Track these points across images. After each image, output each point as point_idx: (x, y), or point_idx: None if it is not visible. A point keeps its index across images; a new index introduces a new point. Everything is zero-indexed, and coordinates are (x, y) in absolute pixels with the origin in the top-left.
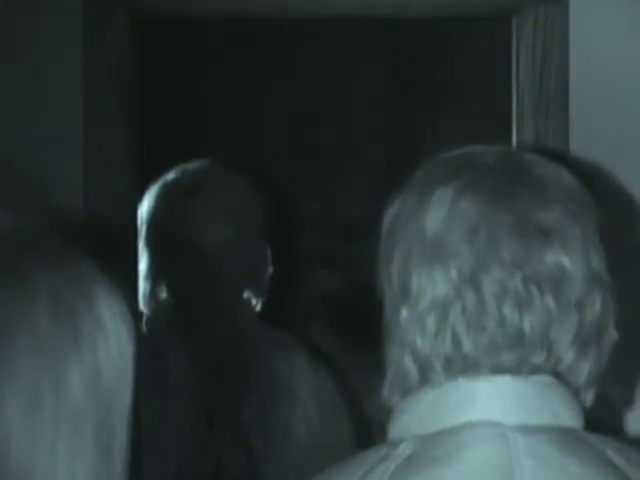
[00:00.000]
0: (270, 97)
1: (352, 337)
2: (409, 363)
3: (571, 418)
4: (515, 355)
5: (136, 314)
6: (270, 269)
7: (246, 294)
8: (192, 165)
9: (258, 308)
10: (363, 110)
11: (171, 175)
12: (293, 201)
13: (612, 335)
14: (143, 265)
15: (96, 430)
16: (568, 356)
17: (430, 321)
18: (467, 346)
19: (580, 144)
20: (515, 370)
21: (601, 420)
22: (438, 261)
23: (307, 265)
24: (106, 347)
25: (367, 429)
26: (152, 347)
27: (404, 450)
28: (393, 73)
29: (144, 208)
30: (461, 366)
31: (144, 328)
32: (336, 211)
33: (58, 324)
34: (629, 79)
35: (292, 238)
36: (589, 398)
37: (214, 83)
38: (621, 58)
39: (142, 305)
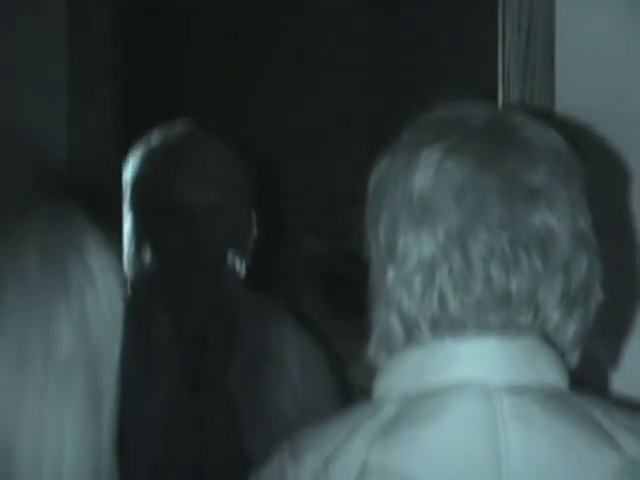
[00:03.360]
0: (256, 58)
1: (337, 303)
2: (395, 323)
3: (556, 378)
4: (501, 316)
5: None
6: (255, 233)
7: (230, 258)
8: (176, 128)
9: (243, 272)
10: (347, 74)
11: (155, 137)
12: (280, 170)
13: (598, 295)
14: (127, 228)
15: (85, 380)
16: (554, 316)
17: (417, 282)
18: (454, 307)
19: (566, 105)
20: (501, 331)
21: (586, 380)
22: (425, 222)
23: (292, 232)
24: (95, 297)
25: (351, 395)
26: (136, 311)
27: (389, 409)
28: (376, 37)
29: (128, 171)
30: (447, 326)
31: (128, 291)
32: (321, 179)
33: (47, 274)
34: (614, 43)
35: (278, 206)
36: (575, 358)
37: (201, 47)
38: (608, 22)
39: (126, 269)
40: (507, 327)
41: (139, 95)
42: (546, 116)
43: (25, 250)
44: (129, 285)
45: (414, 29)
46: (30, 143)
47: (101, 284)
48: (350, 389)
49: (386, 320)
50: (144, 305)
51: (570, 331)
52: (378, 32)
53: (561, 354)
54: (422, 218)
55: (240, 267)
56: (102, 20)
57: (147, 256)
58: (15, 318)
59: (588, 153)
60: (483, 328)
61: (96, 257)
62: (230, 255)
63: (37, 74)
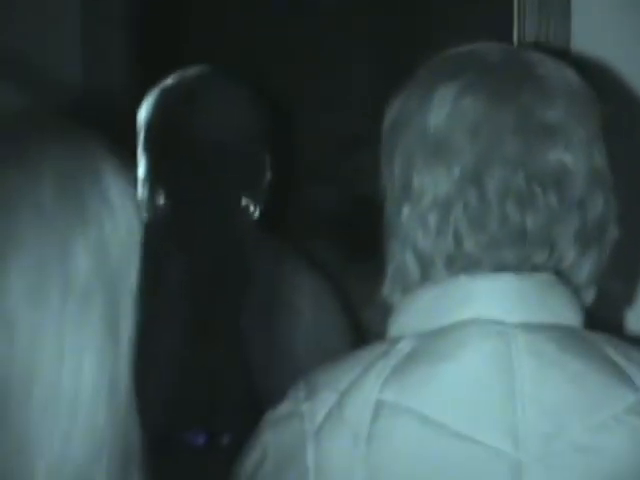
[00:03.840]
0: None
1: (350, 249)
2: (410, 260)
3: (571, 316)
4: (517, 253)
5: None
6: (268, 176)
7: (245, 201)
8: (191, 71)
9: (256, 215)
10: (362, 16)
11: (169, 81)
12: (293, 118)
13: (613, 233)
14: (141, 171)
15: (103, 303)
16: (570, 254)
17: (432, 219)
18: (469, 244)
19: (582, 43)
20: (516, 268)
21: (601, 318)
22: (440, 160)
23: (307, 179)
24: (112, 223)
25: (365, 340)
26: (150, 252)
27: (404, 347)
28: None
29: (142, 114)
30: (462, 264)
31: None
32: (336, 126)
33: (63, 200)
34: None
35: (293, 154)
36: (590, 296)
37: None
38: None
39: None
40: (522, 265)
41: (155, 32)
42: (562, 55)
43: (41, 176)
44: (143, 227)
45: None
46: (45, 69)
47: (118, 209)
48: (364, 333)
49: (401, 258)
50: (158, 247)
51: (585, 269)
52: None
53: (576, 292)
54: (437, 156)
55: (254, 210)
56: None
57: (161, 199)
58: (33, 243)
59: (604, 92)
60: (498, 266)
61: (113, 183)
62: (244, 198)
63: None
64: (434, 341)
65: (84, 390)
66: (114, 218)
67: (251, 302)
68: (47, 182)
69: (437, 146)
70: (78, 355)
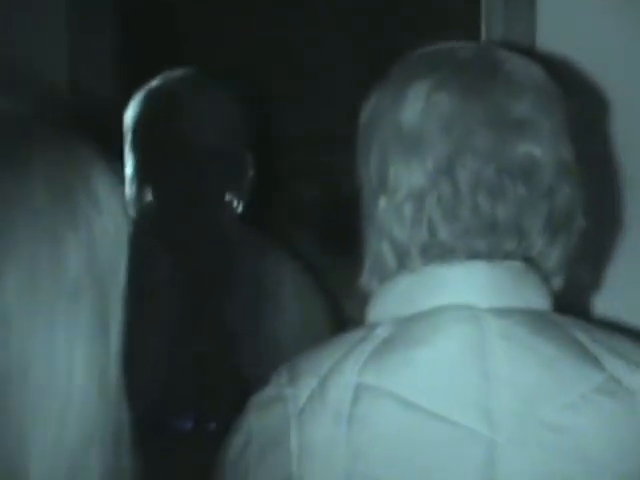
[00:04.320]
0: (256, 12)
1: (329, 241)
2: (387, 250)
3: (541, 301)
4: (488, 242)
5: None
6: (251, 173)
7: (228, 197)
8: (176, 73)
9: (239, 209)
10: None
11: (156, 82)
12: (277, 118)
13: (580, 222)
14: (129, 169)
15: (93, 303)
16: (539, 242)
17: (407, 210)
18: (443, 233)
19: (546, 44)
20: (488, 256)
21: (569, 302)
22: (415, 152)
23: (289, 175)
24: (101, 222)
25: (345, 328)
26: (137, 249)
27: (382, 332)
28: None
29: (129, 114)
30: (437, 252)
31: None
32: (316, 127)
33: (55, 202)
34: None
35: (276, 151)
36: (558, 282)
37: None
38: None
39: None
40: (493, 253)
41: (140, 35)
42: (528, 52)
43: (33, 179)
44: (131, 224)
45: None
46: (30, 72)
47: (106, 210)
48: (344, 322)
49: (378, 248)
50: (145, 243)
51: (554, 256)
52: None
53: (545, 278)
54: (411, 149)
55: (237, 206)
56: None
57: (148, 197)
58: (25, 243)
59: (569, 87)
60: (471, 254)
61: (101, 185)
62: (228, 195)
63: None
64: (410, 326)
65: (77, 379)
66: (102, 218)
67: (237, 293)
68: (38, 185)
69: (411, 140)
70: (70, 347)
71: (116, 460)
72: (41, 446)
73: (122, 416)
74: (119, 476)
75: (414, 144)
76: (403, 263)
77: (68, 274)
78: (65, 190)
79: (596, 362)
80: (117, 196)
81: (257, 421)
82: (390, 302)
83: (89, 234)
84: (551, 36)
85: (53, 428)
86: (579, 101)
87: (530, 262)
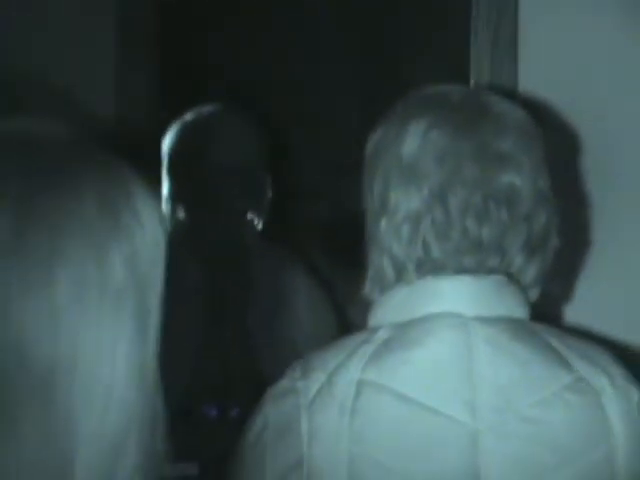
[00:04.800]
0: (272, 43)
1: (337, 255)
2: (387, 265)
3: (520, 310)
4: (475, 259)
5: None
6: (270, 194)
7: (250, 215)
8: (207, 108)
9: (259, 227)
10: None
11: (189, 116)
12: (293, 146)
13: (554, 242)
14: (165, 190)
15: (134, 306)
16: (518, 259)
17: (404, 230)
18: (435, 251)
19: (528, 85)
20: (474, 271)
21: (544, 312)
22: (412, 181)
23: (303, 194)
24: (142, 236)
25: (350, 331)
26: (170, 260)
27: (381, 335)
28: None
29: (166, 143)
30: (430, 267)
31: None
32: (325, 151)
33: (101, 215)
34: (567, 43)
35: (290, 172)
36: (535, 294)
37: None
38: (562, 26)
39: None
40: (479, 268)
41: (176, 73)
42: (511, 95)
43: (84, 196)
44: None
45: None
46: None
47: (146, 224)
48: (349, 326)
49: (379, 263)
50: (178, 256)
51: (531, 272)
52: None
53: (523, 290)
54: (410, 178)
55: (258, 223)
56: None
57: (180, 214)
58: (75, 250)
59: (548, 127)
60: (459, 269)
61: (141, 202)
62: (250, 214)
63: (86, 42)
64: (406, 331)
65: (119, 372)
66: (143, 231)
67: (257, 300)
68: (88, 201)
69: (410, 170)
70: (113, 344)
71: (152, 444)
72: (86, 431)
73: (157, 405)
74: (154, 458)
75: (412, 174)
76: (400, 276)
77: (113, 280)
78: (111, 205)
79: (566, 364)
80: (156, 212)
81: (273, 409)
82: (389, 310)
83: (131, 245)
84: (531, 82)
85: (97, 415)
86: (555, 139)
87: (510, 277)
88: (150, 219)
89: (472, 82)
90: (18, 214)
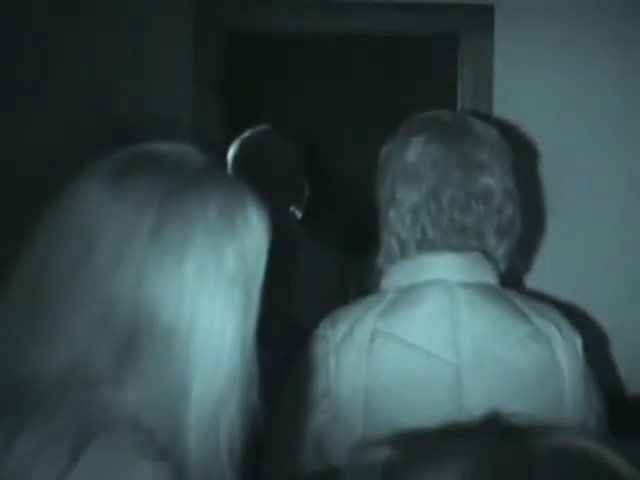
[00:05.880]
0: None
1: (358, 241)
2: (394, 244)
3: (492, 279)
4: (459, 240)
5: None
6: (307, 193)
7: (292, 208)
8: (258, 129)
9: (299, 217)
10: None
11: (245, 135)
12: (326, 157)
13: (518, 229)
14: None
15: (241, 292)
16: (491, 241)
17: (407, 219)
18: (430, 234)
19: (500, 113)
20: (459, 249)
21: (510, 280)
22: (413, 182)
23: (330, 195)
24: (251, 239)
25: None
26: None
27: (389, 297)
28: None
29: (230, 154)
30: (426, 246)
31: None
32: (348, 164)
33: (221, 222)
34: (531, 75)
35: (323, 179)
36: (503, 267)
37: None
38: (530, 79)
39: None
40: (462, 247)
41: (239, 101)
42: (487, 118)
43: (208, 206)
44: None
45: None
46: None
47: (255, 230)
48: (366, 291)
49: (388, 242)
50: None
51: (501, 250)
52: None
53: (495, 264)
54: (411, 180)
55: (298, 214)
56: (218, 51)
57: None
58: (200, 247)
59: (512, 142)
60: (448, 248)
61: (254, 213)
62: (292, 207)
63: (166, 85)
64: (408, 293)
65: (226, 342)
66: (252, 235)
67: (297, 271)
68: (211, 210)
69: (411, 174)
70: (224, 319)
71: (249, 397)
72: (198, 386)
73: (253, 370)
74: (250, 409)
75: (413, 176)
76: (404, 253)
77: (226, 270)
78: (229, 214)
79: (526, 318)
80: (263, 220)
81: (310, 351)
82: (395, 277)
83: (242, 245)
84: (502, 110)
85: (208, 375)
86: (518, 150)
87: (485, 254)
88: (259, 225)
89: (459, 109)
90: (158, 216)
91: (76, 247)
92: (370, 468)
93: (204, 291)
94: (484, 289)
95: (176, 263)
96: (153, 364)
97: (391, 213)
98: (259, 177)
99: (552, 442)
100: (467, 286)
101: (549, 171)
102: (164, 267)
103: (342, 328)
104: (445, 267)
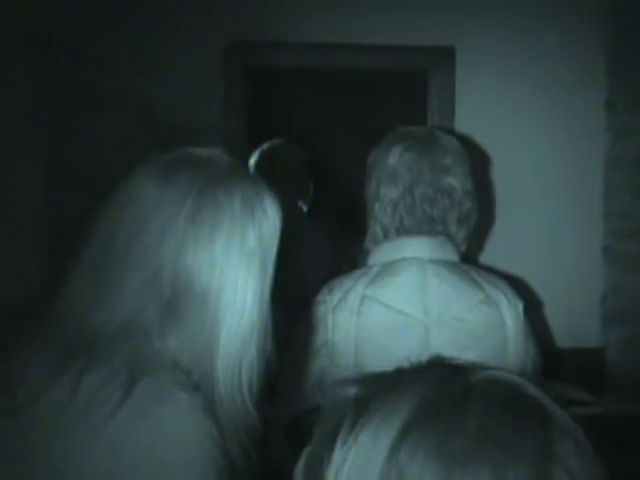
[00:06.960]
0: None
1: (351, 225)
2: (378, 230)
3: (454, 257)
4: (429, 227)
5: None
6: (312, 190)
7: (299, 203)
8: (273, 141)
9: (305, 210)
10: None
11: (264, 146)
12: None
13: (474, 218)
14: None
15: (259, 263)
16: (454, 228)
17: (389, 210)
18: (406, 222)
19: (461, 128)
20: (428, 234)
21: (468, 257)
22: (393, 181)
23: (329, 193)
24: (267, 224)
25: (357, 268)
26: None
27: (374, 270)
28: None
29: (252, 160)
30: (403, 231)
31: None
32: (342, 169)
33: (244, 211)
34: (486, 99)
35: (323, 180)
36: (463, 248)
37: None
38: (487, 109)
39: None
40: (431, 232)
41: (259, 120)
42: (451, 132)
43: (233, 197)
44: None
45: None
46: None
47: (270, 217)
48: (356, 266)
49: (374, 228)
50: None
51: (461, 235)
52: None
53: (457, 245)
54: (392, 179)
55: (304, 208)
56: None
57: None
58: (226, 229)
59: (471, 151)
60: (420, 233)
61: (269, 203)
62: (299, 201)
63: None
64: (389, 267)
65: (248, 300)
66: (268, 221)
67: (302, 250)
68: (236, 201)
69: (392, 175)
70: (246, 285)
71: (265, 345)
72: (226, 336)
73: (268, 321)
74: (266, 354)
75: (393, 177)
76: (386, 236)
77: (248, 247)
78: (249, 204)
79: (480, 287)
80: (276, 210)
81: (313, 311)
82: (379, 255)
83: (260, 228)
84: (463, 127)
85: (233, 328)
86: (476, 158)
87: (449, 237)
88: (273, 214)
89: (429, 124)
90: (195, 204)
91: (133, 226)
92: (343, 402)
93: (230, 263)
94: (448, 264)
95: (208, 241)
96: (190, 319)
97: (376, 206)
98: (274, 178)
99: (486, 374)
100: (435, 262)
101: (498, 173)
102: (199, 244)
103: (338, 294)
104: (418, 247)
